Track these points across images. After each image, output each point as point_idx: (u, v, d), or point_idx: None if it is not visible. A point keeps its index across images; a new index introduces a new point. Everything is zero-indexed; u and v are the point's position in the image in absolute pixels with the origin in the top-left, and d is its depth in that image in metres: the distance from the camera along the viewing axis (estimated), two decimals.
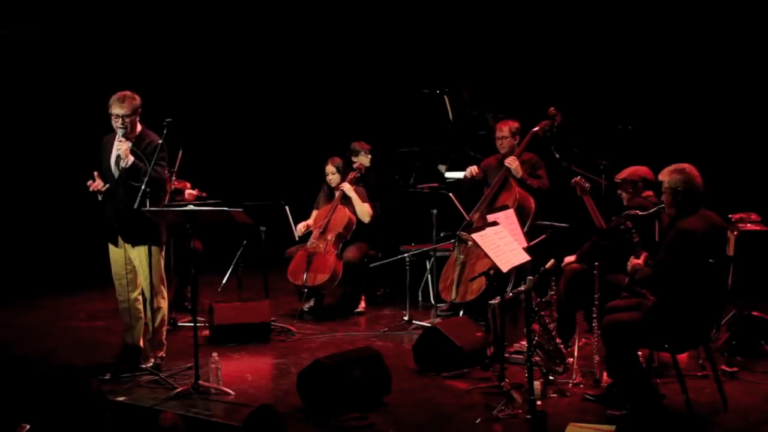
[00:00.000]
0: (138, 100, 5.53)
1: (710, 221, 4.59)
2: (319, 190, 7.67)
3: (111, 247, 5.68)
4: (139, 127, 5.59)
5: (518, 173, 6.86)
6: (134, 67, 8.76)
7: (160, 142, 5.49)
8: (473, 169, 7.10)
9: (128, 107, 5.45)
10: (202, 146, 7.36)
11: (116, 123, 5.47)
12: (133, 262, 5.62)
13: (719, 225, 4.67)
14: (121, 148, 5.43)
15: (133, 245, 5.56)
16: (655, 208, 4.84)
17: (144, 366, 5.59)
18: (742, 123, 7.82)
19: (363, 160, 7.74)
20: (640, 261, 4.80)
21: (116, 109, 5.45)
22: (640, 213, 4.88)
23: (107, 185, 5.57)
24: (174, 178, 7.18)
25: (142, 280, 5.62)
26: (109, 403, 4.76)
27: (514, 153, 6.98)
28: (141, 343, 5.71)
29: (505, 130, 7.03)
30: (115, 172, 5.54)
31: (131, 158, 5.42)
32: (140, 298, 5.71)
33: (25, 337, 6.68)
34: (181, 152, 7.10)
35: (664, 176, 4.65)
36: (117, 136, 5.48)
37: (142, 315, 5.71)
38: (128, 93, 5.51)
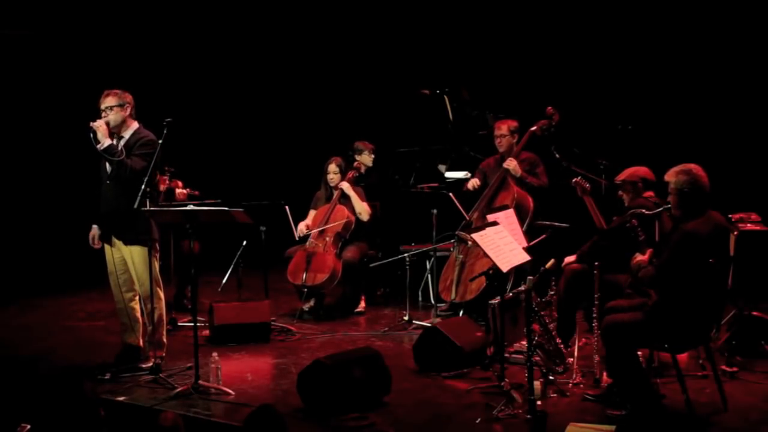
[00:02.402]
0: (126, 96, 5.57)
1: (715, 223, 4.58)
2: (317, 189, 7.67)
3: (106, 246, 5.69)
4: (135, 125, 5.61)
5: (517, 172, 6.87)
6: (134, 67, 8.77)
7: (150, 139, 5.51)
8: (474, 183, 7.11)
9: (111, 100, 5.52)
10: (202, 146, 7.36)
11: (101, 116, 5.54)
12: (126, 262, 5.62)
13: (723, 226, 4.66)
14: (100, 127, 5.41)
15: (125, 243, 5.57)
16: (661, 208, 4.83)
17: (144, 366, 5.59)
18: (742, 123, 7.82)
19: (365, 159, 7.74)
20: (645, 257, 4.78)
21: (101, 104, 5.54)
22: (646, 212, 4.87)
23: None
24: (166, 177, 7.19)
25: (135, 280, 5.61)
26: (104, 403, 4.75)
27: (513, 152, 7.00)
28: (140, 343, 5.71)
29: (503, 128, 7.06)
30: (108, 169, 5.55)
31: (108, 140, 5.42)
32: (136, 298, 5.71)
33: (25, 337, 6.68)
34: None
35: (671, 177, 4.63)
36: None
37: (139, 315, 5.71)
38: (115, 90, 5.57)
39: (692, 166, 4.62)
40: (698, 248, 4.47)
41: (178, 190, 7.17)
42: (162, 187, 7.13)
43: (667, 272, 4.55)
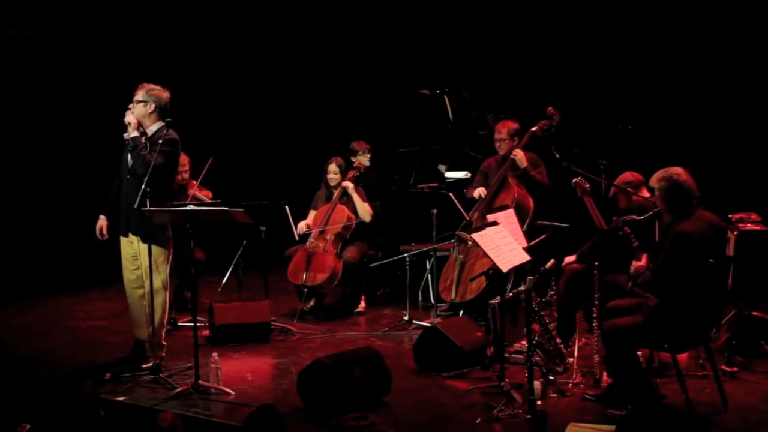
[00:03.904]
0: (158, 91, 5.60)
1: (707, 222, 4.59)
2: (317, 189, 7.67)
3: (122, 239, 5.69)
4: (160, 123, 5.61)
5: (522, 163, 6.88)
6: (134, 67, 8.75)
7: (173, 138, 5.52)
8: (480, 192, 7.03)
9: (139, 94, 5.56)
10: (202, 146, 7.35)
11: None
12: (138, 258, 5.61)
13: (717, 225, 4.67)
14: (131, 120, 5.48)
15: (143, 240, 5.56)
16: (652, 212, 4.86)
17: (144, 366, 5.59)
18: (741, 123, 7.82)
19: (362, 159, 7.74)
20: (642, 263, 4.81)
21: (134, 95, 5.59)
22: (637, 218, 4.90)
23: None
24: (196, 183, 7.19)
25: (144, 277, 5.61)
26: (104, 403, 4.75)
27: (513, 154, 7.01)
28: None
29: (503, 132, 7.05)
30: (129, 163, 5.56)
31: (135, 132, 5.48)
32: (146, 295, 5.69)
33: (25, 337, 6.67)
34: (210, 160, 7.16)
35: (653, 183, 4.69)
36: None
37: (146, 312, 5.69)
38: (147, 85, 5.61)
39: (674, 170, 4.63)
40: (692, 247, 4.48)
41: (206, 200, 7.16)
42: (191, 192, 7.12)
43: (664, 274, 4.56)
